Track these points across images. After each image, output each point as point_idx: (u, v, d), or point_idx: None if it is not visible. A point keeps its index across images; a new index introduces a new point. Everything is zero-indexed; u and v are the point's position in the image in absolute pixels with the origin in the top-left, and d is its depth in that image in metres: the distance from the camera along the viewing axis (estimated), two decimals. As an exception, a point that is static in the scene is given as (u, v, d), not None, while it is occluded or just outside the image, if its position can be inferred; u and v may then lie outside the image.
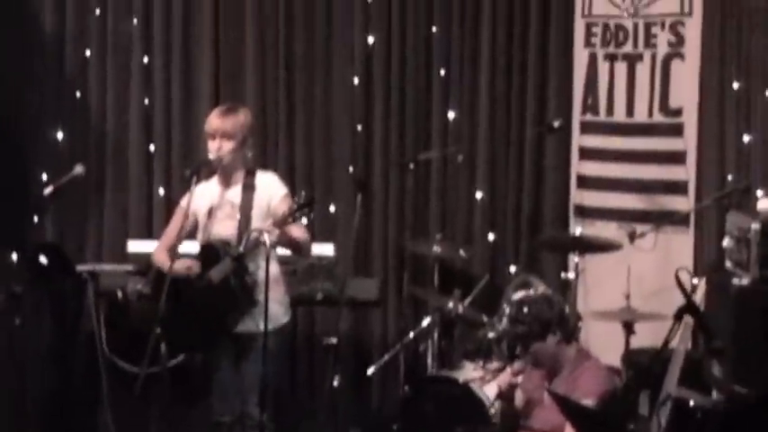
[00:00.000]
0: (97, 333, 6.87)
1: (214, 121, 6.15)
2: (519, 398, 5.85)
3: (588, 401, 5.46)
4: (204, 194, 6.22)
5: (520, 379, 5.84)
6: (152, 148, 7.70)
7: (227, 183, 6.19)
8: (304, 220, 5.98)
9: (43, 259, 6.79)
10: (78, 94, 7.71)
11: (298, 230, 6.02)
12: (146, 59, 7.69)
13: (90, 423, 7.05)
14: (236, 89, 7.62)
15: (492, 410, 6.05)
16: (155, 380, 6.02)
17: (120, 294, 6.95)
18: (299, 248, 6.12)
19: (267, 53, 7.64)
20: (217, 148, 6.11)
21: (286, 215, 5.89)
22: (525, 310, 5.65)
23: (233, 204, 6.15)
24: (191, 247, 6.26)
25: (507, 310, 5.76)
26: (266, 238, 5.85)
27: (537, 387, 5.74)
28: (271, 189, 6.15)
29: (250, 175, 6.18)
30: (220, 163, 6.15)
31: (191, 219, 6.19)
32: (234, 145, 6.11)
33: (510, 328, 5.71)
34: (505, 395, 5.85)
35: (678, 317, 4.77)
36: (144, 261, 6.84)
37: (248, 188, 6.14)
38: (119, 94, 7.70)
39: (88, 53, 7.71)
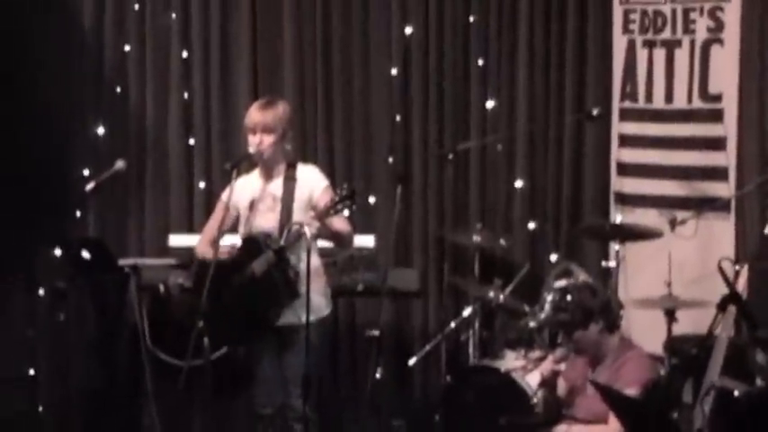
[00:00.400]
0: (140, 327, 6.91)
1: (254, 115, 6.17)
2: (562, 386, 5.84)
3: (631, 391, 5.46)
4: (246, 187, 6.24)
5: (562, 367, 5.83)
6: (192, 142, 7.73)
7: (268, 176, 6.22)
8: (346, 212, 5.98)
9: (86, 254, 6.84)
10: (118, 90, 7.75)
11: (340, 222, 6.04)
12: (185, 54, 7.71)
13: (134, 416, 7.10)
14: (274, 82, 7.64)
15: (534, 399, 6.05)
16: (198, 373, 6.05)
17: (162, 288, 6.94)
18: (341, 240, 6.13)
19: (305, 46, 7.65)
20: (258, 143, 6.13)
21: (328, 207, 5.91)
22: (568, 297, 5.65)
23: (274, 197, 6.18)
24: (233, 240, 6.29)
25: (550, 298, 5.76)
26: (307, 230, 5.87)
27: (580, 376, 5.74)
28: (312, 181, 6.17)
29: (291, 167, 6.20)
30: (261, 157, 6.18)
31: (232, 212, 6.22)
32: (274, 138, 6.14)
33: (552, 316, 5.71)
34: (548, 383, 5.85)
35: (722, 307, 4.75)
36: (185, 255, 6.89)
37: (289, 181, 6.16)
38: (158, 89, 7.73)
39: (127, 48, 7.75)
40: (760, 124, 7.07)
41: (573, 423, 5.68)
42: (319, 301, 6.14)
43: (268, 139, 6.13)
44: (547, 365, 5.88)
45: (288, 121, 6.23)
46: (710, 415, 4.69)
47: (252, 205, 6.21)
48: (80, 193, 6.98)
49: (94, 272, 6.92)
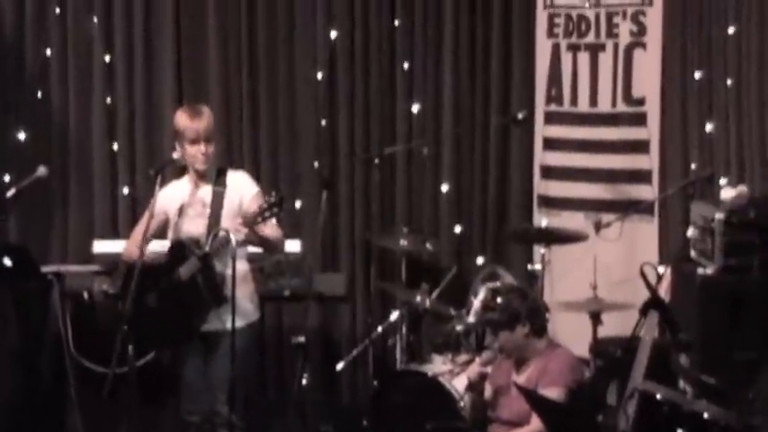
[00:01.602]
0: (64, 334, 6.83)
1: (193, 124, 6.09)
2: (488, 390, 5.86)
3: (555, 390, 5.50)
4: (175, 193, 6.22)
5: (489, 370, 5.85)
6: (115, 146, 7.65)
7: (198, 181, 6.19)
8: (273, 220, 5.97)
9: (7, 261, 6.74)
10: (40, 95, 7.64)
11: (269, 228, 6.02)
12: (107, 58, 7.63)
13: (58, 425, 7.01)
14: (198, 86, 7.59)
15: (461, 403, 6.06)
16: (123, 380, 6.00)
17: (86, 295, 6.92)
18: (271, 246, 6.12)
19: (230, 50, 7.61)
20: (203, 152, 6.08)
21: (255, 214, 5.89)
22: (498, 299, 5.68)
23: (204, 203, 6.15)
24: (160, 245, 6.24)
25: (481, 296, 5.79)
26: (232, 236, 5.85)
27: (504, 377, 5.76)
28: (242, 188, 6.15)
29: (221, 173, 6.18)
30: (184, 162, 6.15)
31: (160, 217, 6.18)
32: (214, 145, 6.13)
33: (481, 314, 5.75)
34: (475, 387, 5.86)
35: (644, 312, 4.79)
36: (109, 261, 6.84)
37: (219, 187, 6.14)
38: (81, 94, 7.64)
39: (49, 52, 7.65)
40: (682, 127, 7.15)
41: (497, 427, 5.70)
42: (247, 307, 6.12)
43: (210, 148, 6.11)
44: (474, 368, 5.89)
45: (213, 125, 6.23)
46: (634, 417, 4.72)
47: (181, 210, 6.18)
48: (1, 200, 6.87)
49: (17, 279, 6.82)
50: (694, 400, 4.82)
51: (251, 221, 5.90)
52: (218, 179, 6.16)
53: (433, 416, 6.15)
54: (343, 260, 7.55)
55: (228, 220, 6.03)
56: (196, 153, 6.09)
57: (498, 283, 5.92)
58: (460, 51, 7.51)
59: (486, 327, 5.83)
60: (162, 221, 6.20)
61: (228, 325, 5.89)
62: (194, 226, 6.13)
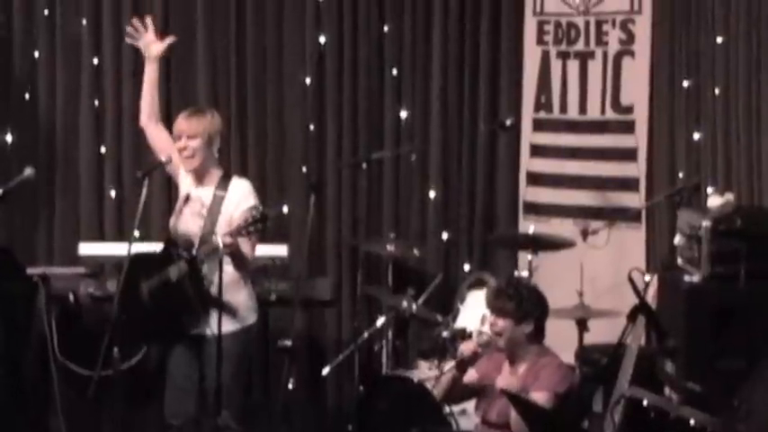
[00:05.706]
0: (49, 337, 6.81)
1: (180, 123, 6.16)
2: (472, 375, 5.82)
3: (543, 395, 5.49)
4: (185, 180, 6.24)
5: (482, 352, 5.78)
6: (103, 149, 7.64)
7: (199, 181, 6.19)
8: (253, 238, 5.99)
9: (-8, 262, 6.73)
10: (27, 96, 7.63)
11: (245, 245, 6.02)
12: (95, 60, 7.62)
13: (41, 428, 6.98)
14: (187, 90, 7.58)
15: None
16: (108, 383, 5.98)
17: (71, 297, 6.89)
18: (242, 263, 6.09)
19: (218, 54, 7.61)
20: (182, 148, 6.09)
21: (240, 228, 5.89)
22: (516, 290, 5.68)
23: (203, 203, 6.14)
24: (148, 247, 6.25)
25: (497, 283, 5.87)
26: (220, 241, 5.85)
27: (493, 371, 5.75)
28: (240, 198, 6.13)
29: (225, 178, 6.17)
30: (171, 163, 6.16)
31: (168, 154, 6.18)
32: (198, 143, 6.10)
33: (493, 298, 5.69)
34: (464, 366, 5.77)
35: (631, 317, 4.80)
36: (96, 263, 6.84)
37: (221, 191, 6.13)
38: (68, 96, 7.63)
39: (37, 54, 7.64)
40: (670, 135, 7.17)
41: (485, 429, 5.69)
42: (242, 311, 6.10)
43: (192, 143, 6.09)
44: (469, 346, 5.81)
45: (216, 129, 6.17)
46: (620, 424, 4.73)
47: (186, 200, 6.17)
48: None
49: (1, 281, 6.80)
50: (681, 407, 4.82)
51: (235, 233, 5.90)
52: (221, 183, 6.16)
53: (418, 422, 6.14)
54: (330, 265, 7.55)
55: (223, 227, 6.02)
56: (178, 149, 6.11)
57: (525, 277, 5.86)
58: (449, 57, 7.52)
59: (494, 312, 5.75)
60: (168, 157, 6.17)
61: (223, 328, 5.88)
62: (192, 224, 6.13)
